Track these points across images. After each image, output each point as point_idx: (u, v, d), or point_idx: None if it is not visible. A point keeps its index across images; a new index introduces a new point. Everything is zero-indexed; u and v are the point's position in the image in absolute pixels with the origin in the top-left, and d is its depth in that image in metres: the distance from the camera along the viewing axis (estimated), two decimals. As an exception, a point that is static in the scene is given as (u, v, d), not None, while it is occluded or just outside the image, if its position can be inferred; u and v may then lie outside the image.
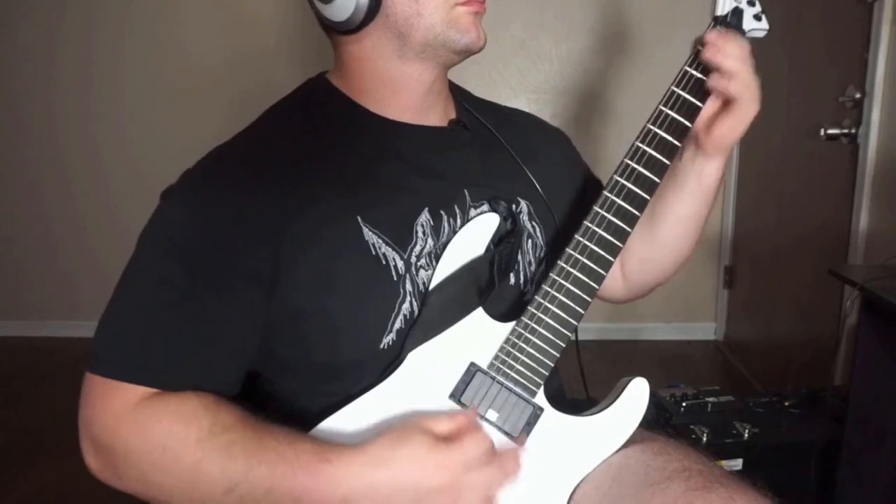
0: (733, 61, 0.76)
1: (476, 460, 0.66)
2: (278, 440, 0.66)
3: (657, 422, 1.59)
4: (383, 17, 0.76)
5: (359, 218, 0.75)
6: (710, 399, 1.60)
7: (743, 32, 0.80)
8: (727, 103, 0.79)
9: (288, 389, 0.81)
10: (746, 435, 1.53)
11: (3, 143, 3.02)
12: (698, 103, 0.79)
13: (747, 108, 0.78)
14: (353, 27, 0.77)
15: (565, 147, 1.00)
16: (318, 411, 0.75)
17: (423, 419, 0.67)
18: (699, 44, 0.78)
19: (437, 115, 0.86)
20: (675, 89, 0.79)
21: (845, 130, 1.90)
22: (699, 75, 0.78)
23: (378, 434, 0.67)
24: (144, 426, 0.67)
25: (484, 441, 0.68)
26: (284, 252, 0.72)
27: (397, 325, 0.76)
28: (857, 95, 1.85)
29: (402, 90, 0.81)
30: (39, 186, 3.05)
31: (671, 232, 0.91)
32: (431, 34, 0.77)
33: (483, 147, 0.88)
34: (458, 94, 0.92)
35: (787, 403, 1.65)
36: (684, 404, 1.58)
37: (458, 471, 0.65)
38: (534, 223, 0.88)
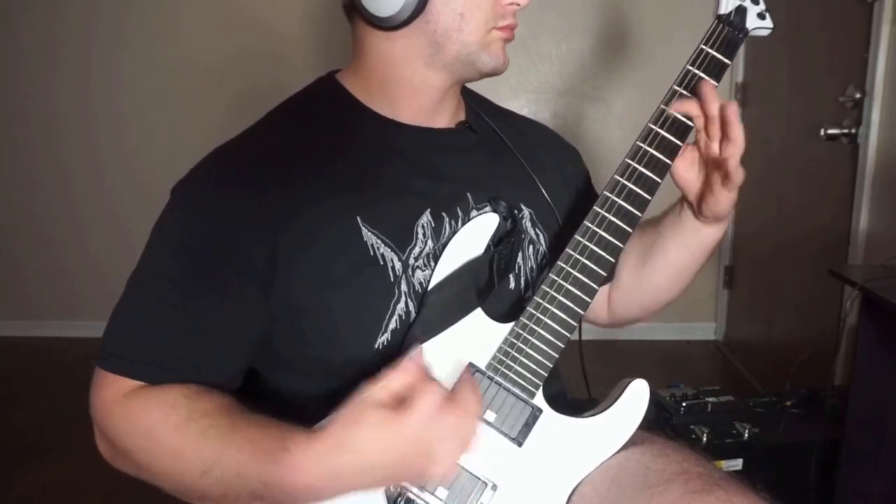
0: (737, 130, 0.75)
1: (433, 414, 0.61)
2: (250, 424, 0.67)
3: (657, 422, 1.59)
4: (423, 23, 0.77)
5: (358, 218, 0.76)
6: (710, 399, 1.60)
7: (747, 31, 0.80)
8: (712, 178, 0.79)
9: (285, 387, 0.82)
10: (746, 435, 1.52)
11: (3, 143, 3.02)
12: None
13: (734, 190, 0.78)
14: (392, 25, 0.76)
15: (575, 163, 1.00)
16: (316, 410, 0.75)
17: (370, 391, 0.62)
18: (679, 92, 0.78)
19: (446, 117, 0.86)
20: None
21: (845, 130, 1.89)
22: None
23: (333, 416, 0.63)
24: (130, 414, 0.71)
25: (435, 392, 0.61)
26: (283, 249, 0.73)
27: (392, 325, 0.77)
28: (857, 95, 1.85)
29: (417, 94, 0.82)
30: (39, 186, 3.05)
31: (660, 275, 0.91)
32: (465, 51, 0.78)
33: (489, 151, 0.88)
34: (471, 99, 0.92)
35: (787, 403, 1.65)
36: (684, 404, 1.58)
37: (420, 432, 0.61)
38: (537, 230, 0.88)
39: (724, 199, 0.80)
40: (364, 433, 0.61)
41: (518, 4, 0.79)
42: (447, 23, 0.77)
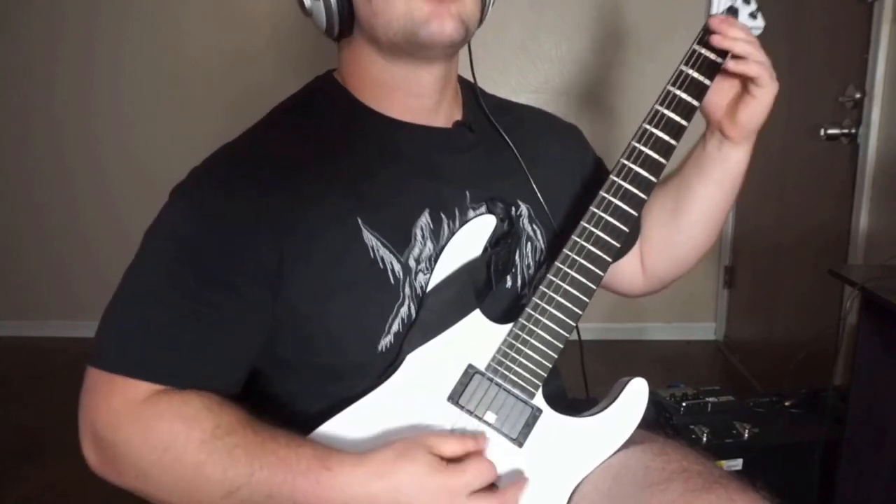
0: (743, 44, 0.78)
1: (477, 490, 0.67)
2: (280, 444, 0.67)
3: (657, 422, 1.59)
4: (358, 25, 0.77)
5: (359, 219, 0.75)
6: (710, 399, 1.60)
7: None
8: (745, 87, 0.81)
9: (288, 389, 0.81)
10: (746, 435, 1.52)
11: (3, 143, 3.02)
12: (706, 81, 0.79)
13: (768, 88, 0.80)
14: (333, 36, 0.78)
15: (576, 145, 0.99)
16: (318, 412, 0.76)
17: (430, 437, 0.68)
18: (705, 31, 0.79)
19: (442, 116, 0.85)
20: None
21: (845, 130, 1.89)
22: (708, 54, 0.79)
23: (383, 445, 0.67)
24: (147, 424, 0.67)
25: (489, 471, 0.68)
26: (287, 251, 0.73)
27: (395, 327, 0.76)
28: (857, 95, 1.85)
29: (397, 90, 0.80)
30: (40, 186, 3.05)
31: (695, 222, 0.91)
32: (391, 31, 0.73)
33: (488, 149, 0.87)
34: (470, 93, 0.91)
35: (787, 403, 1.65)
36: (684, 404, 1.58)
37: (458, 496, 0.66)
38: (534, 226, 0.88)
39: (755, 110, 0.81)
40: (410, 468, 0.65)
41: None
42: (364, 13, 0.75)
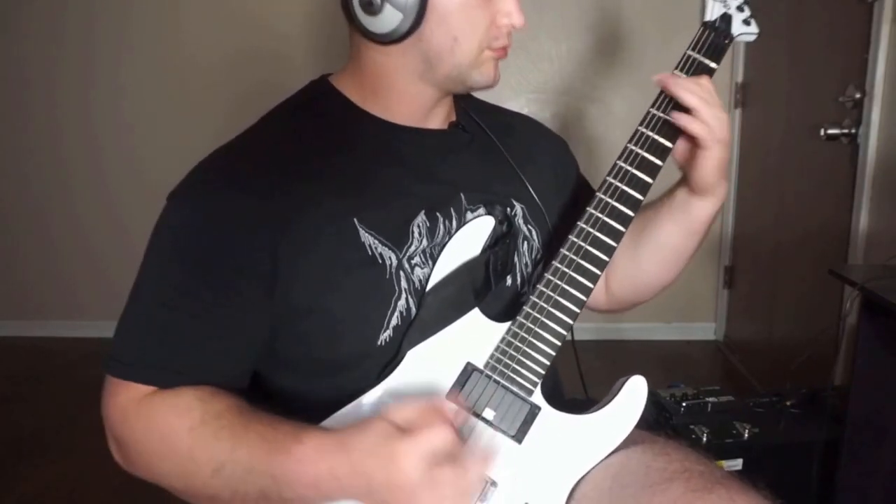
0: (691, 97, 0.76)
1: (435, 455, 0.62)
2: (263, 423, 0.68)
3: (657, 422, 1.59)
4: (417, 40, 0.77)
5: (355, 219, 0.76)
6: (710, 399, 1.60)
7: (732, 37, 0.81)
8: (694, 144, 0.80)
9: (287, 387, 0.82)
10: (746, 435, 1.53)
11: (3, 143, 3.02)
12: (667, 143, 0.79)
13: (711, 151, 0.78)
14: (386, 41, 0.77)
15: (564, 154, 1.01)
16: (318, 409, 0.76)
17: (389, 407, 0.65)
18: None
19: (438, 119, 0.87)
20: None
21: (845, 130, 1.89)
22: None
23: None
24: (147, 418, 0.72)
25: (446, 435, 0.63)
26: (284, 252, 0.73)
27: (394, 321, 0.77)
28: (857, 95, 1.85)
29: (411, 101, 0.82)
30: (40, 186, 3.05)
31: (654, 257, 0.92)
32: (456, 70, 0.79)
33: (481, 150, 0.89)
34: (461, 98, 0.92)
35: (787, 403, 1.65)
36: (684, 404, 1.58)
37: (413, 465, 0.61)
38: (529, 226, 0.89)
39: (703, 167, 0.79)
40: (364, 438, 0.64)
41: (514, 26, 0.79)
42: (440, 44, 0.77)
